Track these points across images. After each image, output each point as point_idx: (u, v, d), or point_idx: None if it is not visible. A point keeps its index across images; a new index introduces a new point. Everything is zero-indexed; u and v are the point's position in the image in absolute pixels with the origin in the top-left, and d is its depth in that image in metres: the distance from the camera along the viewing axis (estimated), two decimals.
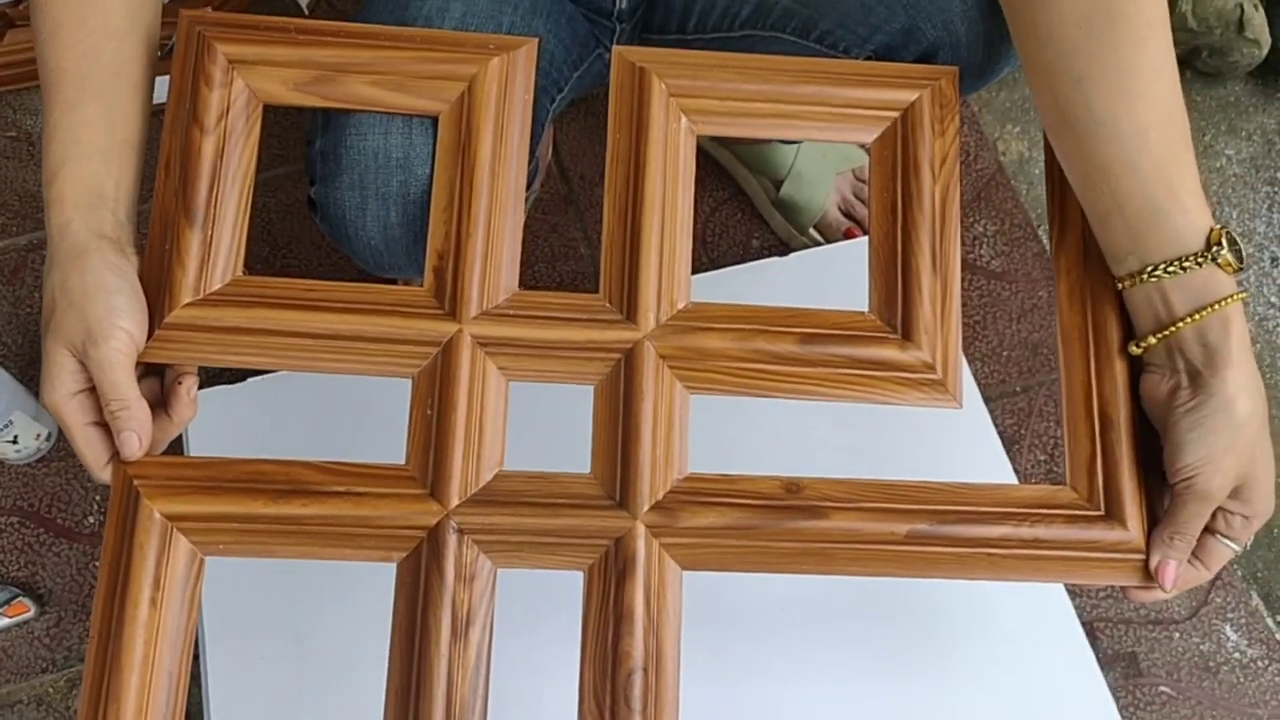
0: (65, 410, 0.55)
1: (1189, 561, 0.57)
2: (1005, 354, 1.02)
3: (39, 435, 0.90)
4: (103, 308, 0.54)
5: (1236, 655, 0.86)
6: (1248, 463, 0.54)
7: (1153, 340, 0.56)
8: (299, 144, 1.11)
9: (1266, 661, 0.85)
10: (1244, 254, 0.55)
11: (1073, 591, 0.85)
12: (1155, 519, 0.57)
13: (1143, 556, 0.57)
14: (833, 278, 0.91)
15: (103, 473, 0.56)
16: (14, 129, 1.09)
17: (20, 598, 0.85)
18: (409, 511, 0.56)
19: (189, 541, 0.55)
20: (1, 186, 1.05)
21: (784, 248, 1.06)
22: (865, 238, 1.01)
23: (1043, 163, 1.08)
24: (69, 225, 0.56)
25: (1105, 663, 0.84)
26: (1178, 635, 0.87)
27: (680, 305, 0.59)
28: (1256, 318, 1.04)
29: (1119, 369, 0.58)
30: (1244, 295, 0.55)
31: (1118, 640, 0.87)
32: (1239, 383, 0.53)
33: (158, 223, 0.58)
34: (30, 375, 0.96)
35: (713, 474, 0.58)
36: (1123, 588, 0.58)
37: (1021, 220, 1.10)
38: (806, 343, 0.59)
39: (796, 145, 1.03)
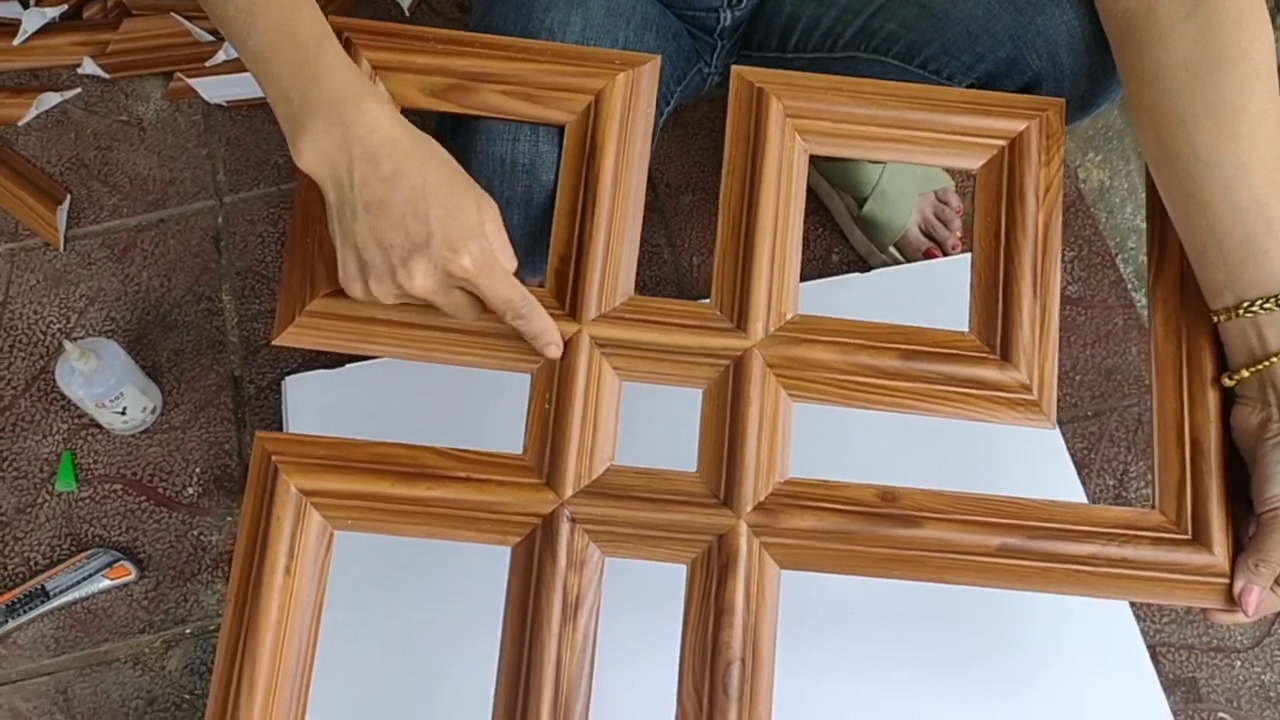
0: (499, 243, 0.57)
1: (1272, 589, 0.59)
2: (1078, 378, 1.04)
3: (145, 408, 0.95)
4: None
5: None
6: None
7: (1245, 374, 0.58)
8: None
9: None
10: None
11: (1137, 615, 0.87)
12: (1239, 546, 0.59)
13: (1226, 580, 0.59)
14: (911, 296, 0.93)
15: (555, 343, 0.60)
16: (125, 114, 1.14)
17: (121, 561, 0.90)
18: (526, 499, 0.59)
19: (320, 516, 0.59)
20: (113, 168, 1.10)
21: (863, 264, 1.09)
22: (946, 258, 1.04)
23: (1123, 191, 1.09)
24: (403, 125, 0.57)
25: (1166, 686, 0.85)
26: (1239, 664, 0.88)
27: (789, 316, 0.62)
28: None
29: (1211, 399, 0.60)
30: None
31: (1179, 665, 0.89)
32: None
33: (299, 219, 0.62)
34: (139, 350, 1.00)
35: (813, 479, 0.61)
36: (1204, 610, 0.60)
37: (1100, 247, 1.11)
38: (908, 359, 0.61)
39: (882, 164, 1.06)
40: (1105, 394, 1.03)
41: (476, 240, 0.55)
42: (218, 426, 0.97)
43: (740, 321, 0.62)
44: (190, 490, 0.95)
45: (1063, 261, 1.10)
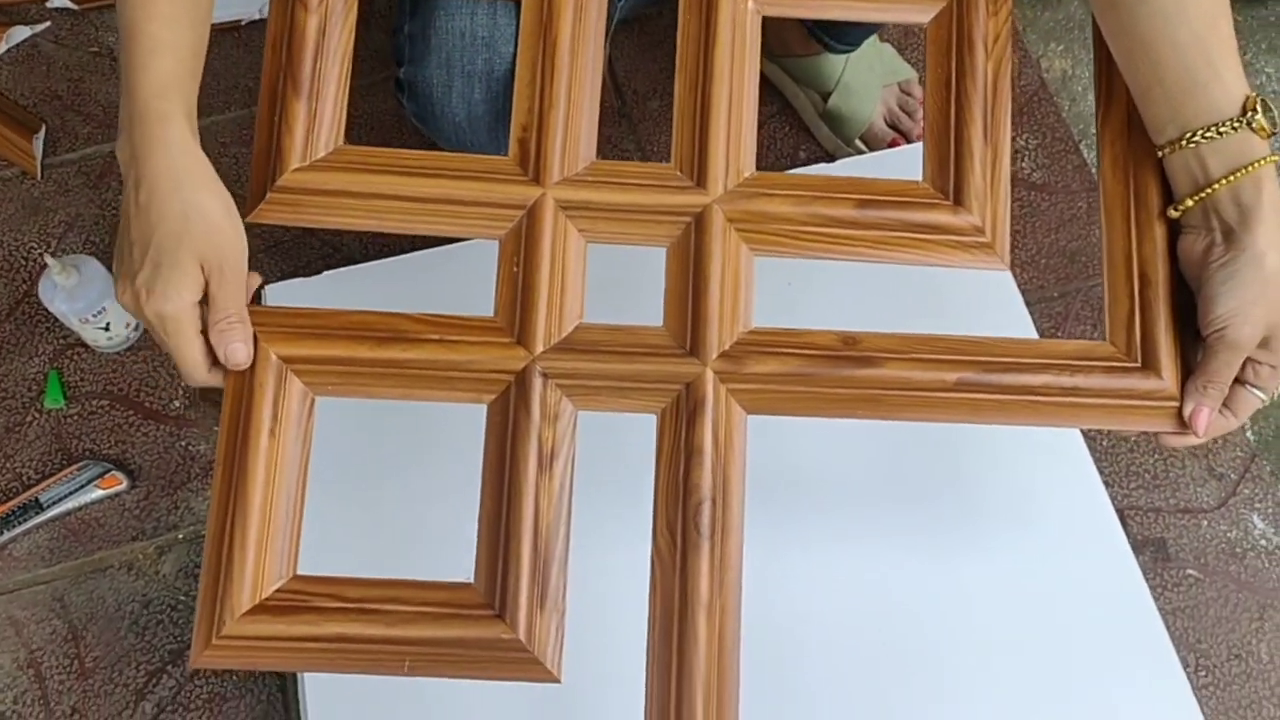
0: (187, 318, 0.58)
1: (1220, 411, 0.61)
2: (1044, 261, 1.06)
3: (129, 324, 0.96)
4: (233, 225, 0.59)
5: (1263, 542, 0.90)
6: (1276, 313, 0.58)
7: (1190, 203, 0.60)
8: (374, 58, 1.15)
9: None
10: (1278, 119, 0.58)
11: (1106, 481, 0.89)
12: (1189, 372, 0.62)
13: (1176, 404, 0.61)
14: None
15: (208, 376, 0.60)
16: (96, 45, 1.14)
17: (112, 471, 0.92)
18: (499, 357, 0.61)
19: (301, 382, 0.61)
20: (85, 98, 1.11)
21: (830, 159, 1.10)
22: (910, 146, 1.06)
23: (1084, 79, 1.11)
24: (187, 145, 0.59)
25: (1136, 547, 0.88)
26: (1206, 523, 0.91)
27: (746, 173, 0.64)
28: None
29: (1158, 232, 0.62)
30: (1276, 158, 0.58)
31: (1148, 527, 0.91)
32: (1270, 238, 0.57)
33: (266, 96, 0.63)
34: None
35: (775, 327, 0.63)
36: (1156, 434, 0.62)
37: (1063, 135, 1.13)
38: (863, 208, 0.63)
39: (845, 58, 1.07)
40: (1070, 276, 1.05)
41: (167, 303, 0.57)
42: None
43: (699, 179, 0.63)
44: (176, 403, 0.97)
45: (1026, 149, 1.12)
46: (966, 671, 0.78)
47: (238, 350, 0.59)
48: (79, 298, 0.90)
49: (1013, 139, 1.13)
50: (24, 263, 1.03)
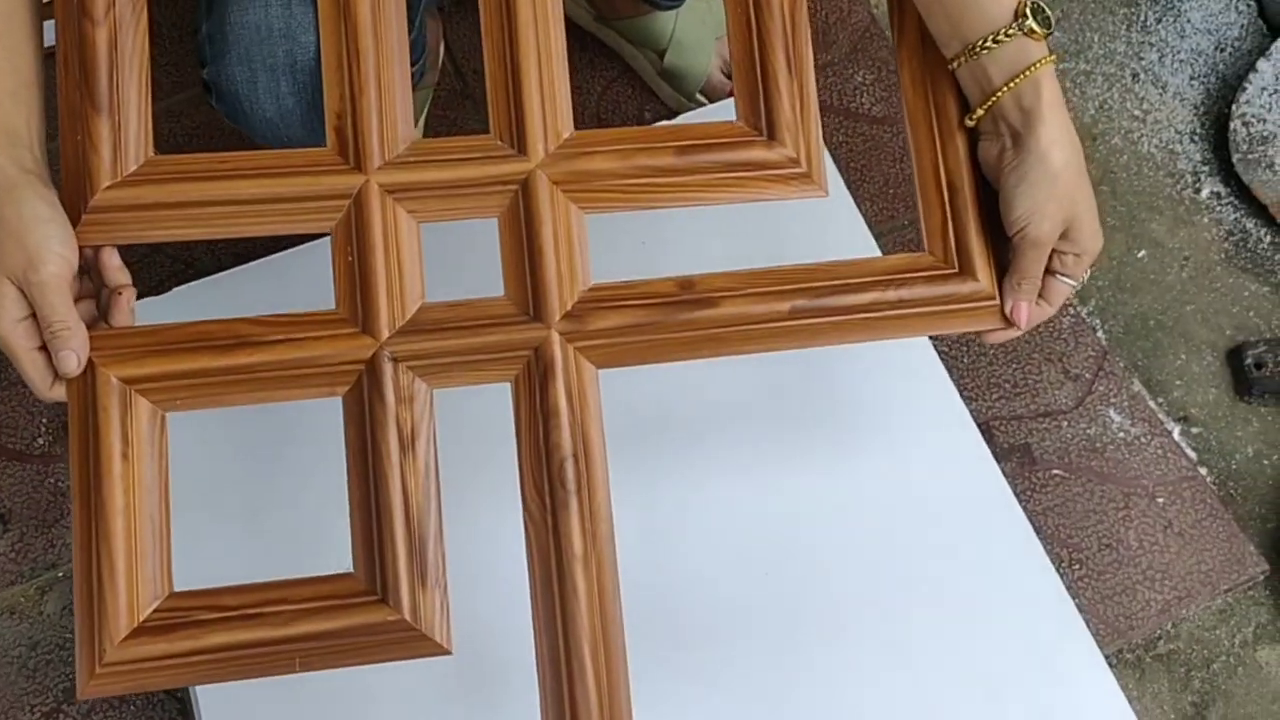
0: (11, 337, 0.58)
1: (1036, 302, 0.65)
2: (891, 192, 1.09)
3: None
4: (39, 235, 0.57)
5: (1121, 435, 0.95)
6: (1069, 206, 0.62)
7: (980, 112, 0.64)
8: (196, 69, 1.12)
9: (1150, 437, 0.94)
10: (1052, 20, 0.62)
11: (969, 395, 0.94)
12: (1004, 271, 0.66)
13: (995, 303, 0.65)
14: None
15: (50, 392, 0.60)
16: None
17: None
18: (345, 348, 0.61)
19: (148, 401, 0.60)
20: None
21: (674, 116, 1.12)
22: None
23: None
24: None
25: (1001, 455, 0.92)
26: (1066, 424, 0.95)
27: (565, 135, 0.65)
28: (1122, 131, 1.11)
29: (960, 142, 0.66)
30: (1053, 59, 0.62)
31: (1011, 434, 0.96)
32: (1052, 137, 0.61)
33: (65, 116, 0.62)
34: None
35: (614, 282, 0.64)
36: (980, 333, 0.66)
37: (896, 68, 1.16)
38: (683, 154, 0.65)
39: (675, 14, 1.08)
40: (916, 203, 1.09)
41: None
42: None
43: (520, 146, 0.64)
44: (40, 440, 0.94)
45: (864, 85, 1.15)
46: (847, 587, 0.81)
47: (65, 359, 0.58)
48: None
49: (850, 76, 1.17)
50: None
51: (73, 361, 0.58)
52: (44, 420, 0.95)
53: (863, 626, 0.80)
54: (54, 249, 0.58)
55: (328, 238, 0.63)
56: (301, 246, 0.93)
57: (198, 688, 0.76)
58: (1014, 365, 0.97)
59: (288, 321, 0.62)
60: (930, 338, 0.90)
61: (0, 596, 0.89)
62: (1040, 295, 0.65)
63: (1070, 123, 0.62)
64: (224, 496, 0.81)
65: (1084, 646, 0.79)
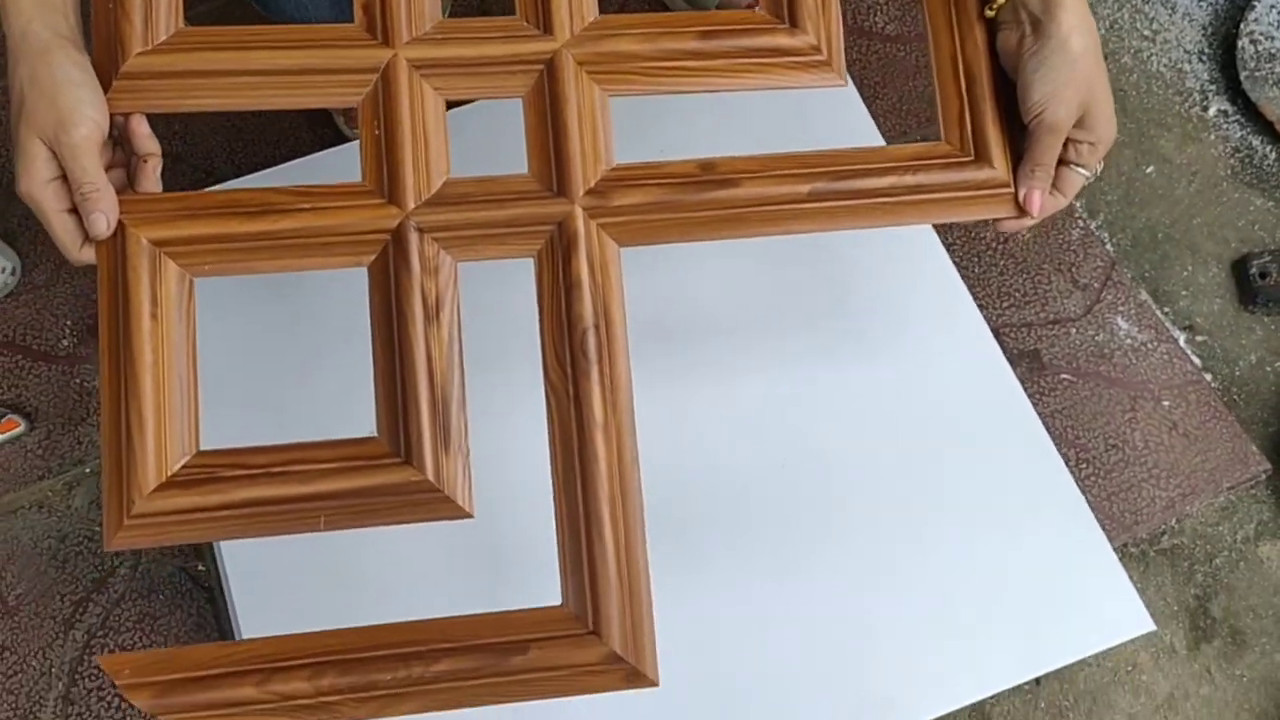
0: (41, 197, 0.59)
1: (1050, 192, 0.66)
2: (905, 108, 1.10)
3: (4, 269, 0.94)
4: (71, 98, 0.58)
5: (1129, 341, 0.96)
6: (1087, 92, 0.63)
7: (1001, 1, 0.64)
8: None
9: (1156, 343, 0.96)
10: None
11: (981, 303, 0.95)
12: (1019, 162, 0.67)
13: (1010, 191, 0.66)
14: None
15: (79, 254, 0.61)
16: None
17: (9, 415, 0.91)
18: (372, 217, 0.62)
19: (176, 265, 0.61)
20: None
21: None
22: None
23: None
24: (30, 26, 0.59)
25: (1011, 360, 0.94)
26: (1074, 330, 0.97)
27: (590, 17, 0.66)
28: (1132, 50, 1.12)
29: (978, 33, 0.67)
30: None
31: (1021, 340, 0.98)
32: (1072, 23, 0.62)
33: None
34: None
35: (636, 162, 0.65)
36: (995, 222, 0.68)
37: None
38: (706, 39, 0.66)
39: None
40: (931, 119, 1.09)
41: (19, 184, 0.59)
42: (81, 279, 0.98)
43: (546, 26, 0.65)
44: (65, 342, 0.96)
45: (879, 4, 1.16)
46: (862, 479, 0.83)
47: (95, 221, 0.59)
48: None
49: None
50: None
51: (102, 224, 0.59)
52: (69, 323, 0.96)
53: (876, 516, 0.81)
54: (86, 112, 0.59)
55: (345, 146, 0.64)
56: (319, 154, 0.94)
57: (230, 578, 0.78)
58: (1024, 275, 0.98)
59: (315, 192, 0.63)
60: (944, 244, 0.91)
61: (29, 491, 0.90)
62: (1054, 185, 0.66)
63: (1089, 11, 0.63)
64: (240, 379, 0.82)
65: (1093, 538, 0.81)
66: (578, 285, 0.63)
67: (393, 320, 0.62)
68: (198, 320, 0.62)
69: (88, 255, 0.61)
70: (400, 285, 0.62)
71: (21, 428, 0.91)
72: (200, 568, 0.87)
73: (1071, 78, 0.62)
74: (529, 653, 0.60)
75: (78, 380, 0.94)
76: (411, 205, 0.63)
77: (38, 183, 0.59)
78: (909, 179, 0.66)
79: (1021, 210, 0.66)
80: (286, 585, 0.78)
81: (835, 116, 0.92)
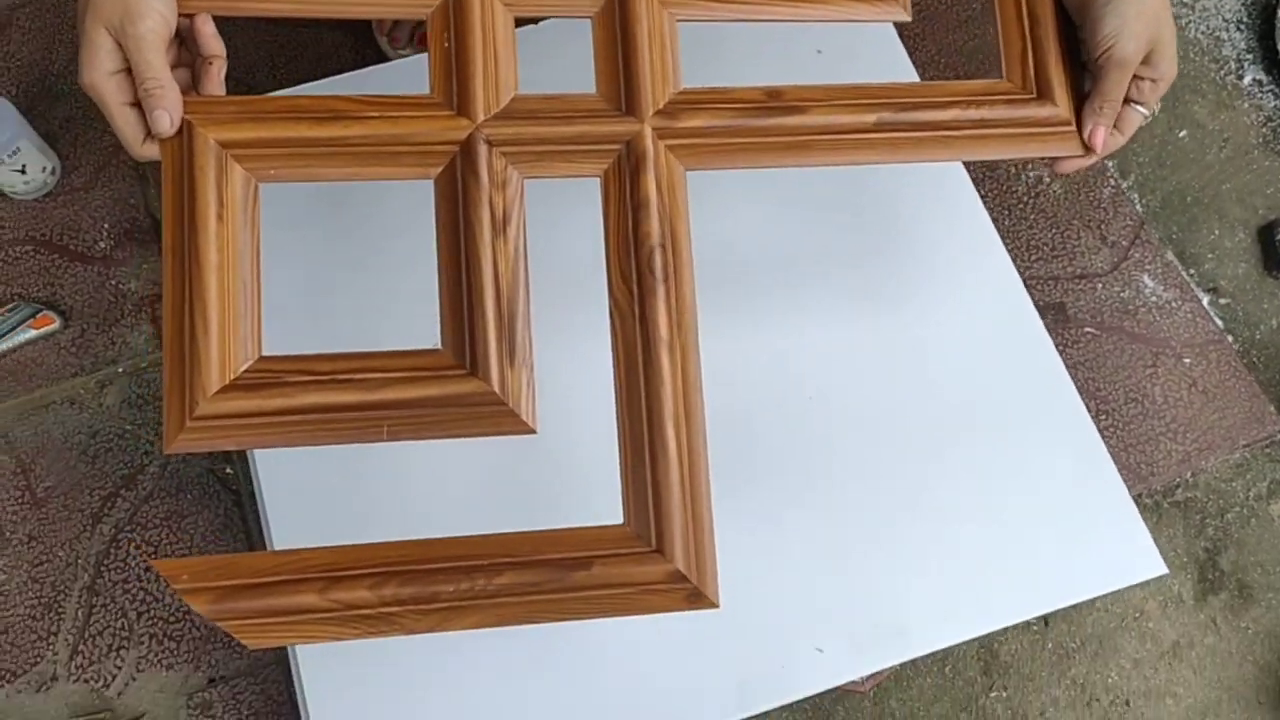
0: (104, 89, 0.58)
1: (1112, 131, 0.67)
2: (944, 60, 1.11)
3: (45, 168, 0.94)
4: None
5: (1154, 299, 0.98)
6: (1155, 27, 0.64)
7: None
8: None
9: (1180, 302, 0.97)
10: None
11: (1009, 254, 0.95)
12: (1079, 105, 0.68)
13: (1071, 129, 0.67)
14: None
15: (142, 150, 0.60)
16: None
17: (44, 312, 0.91)
18: (442, 128, 0.62)
19: (242, 169, 0.60)
20: None
21: None
22: None
23: None
24: None
25: (1039, 311, 0.94)
26: (1100, 286, 0.99)
27: None
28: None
29: None
30: None
31: (1048, 293, 0.99)
32: None
33: None
34: (30, 121, 0.98)
35: (704, 87, 0.65)
36: (1054, 162, 0.68)
37: None
38: None
39: None
40: (969, 73, 1.11)
41: (83, 75, 0.58)
42: (120, 183, 0.98)
43: None
44: (102, 244, 0.96)
45: None
46: (892, 416, 0.83)
47: (159, 118, 0.58)
48: None
49: None
50: None
51: (165, 121, 0.58)
52: (106, 225, 0.96)
53: (898, 449, 0.82)
54: (154, 5, 0.58)
55: (388, 65, 0.64)
56: (362, 70, 0.93)
57: (262, 479, 0.76)
58: (1054, 229, 0.99)
59: (383, 101, 0.62)
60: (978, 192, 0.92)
61: (61, 387, 0.90)
62: (1115, 125, 0.67)
63: None
64: (289, 293, 0.81)
65: (1111, 482, 0.82)
66: (646, 204, 0.63)
67: (459, 232, 0.61)
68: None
69: (150, 151, 0.60)
70: (468, 197, 0.61)
71: (56, 324, 0.91)
72: (228, 470, 0.86)
73: (1141, 12, 0.63)
74: (592, 568, 0.60)
75: (113, 282, 0.94)
76: (481, 118, 0.62)
77: (101, 74, 0.58)
78: (972, 113, 0.66)
79: (1085, 148, 0.67)
80: (320, 501, 0.77)
81: (879, 62, 0.93)
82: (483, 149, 0.62)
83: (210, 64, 0.61)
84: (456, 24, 0.63)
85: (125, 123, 0.59)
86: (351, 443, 0.59)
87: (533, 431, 0.61)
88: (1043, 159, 0.68)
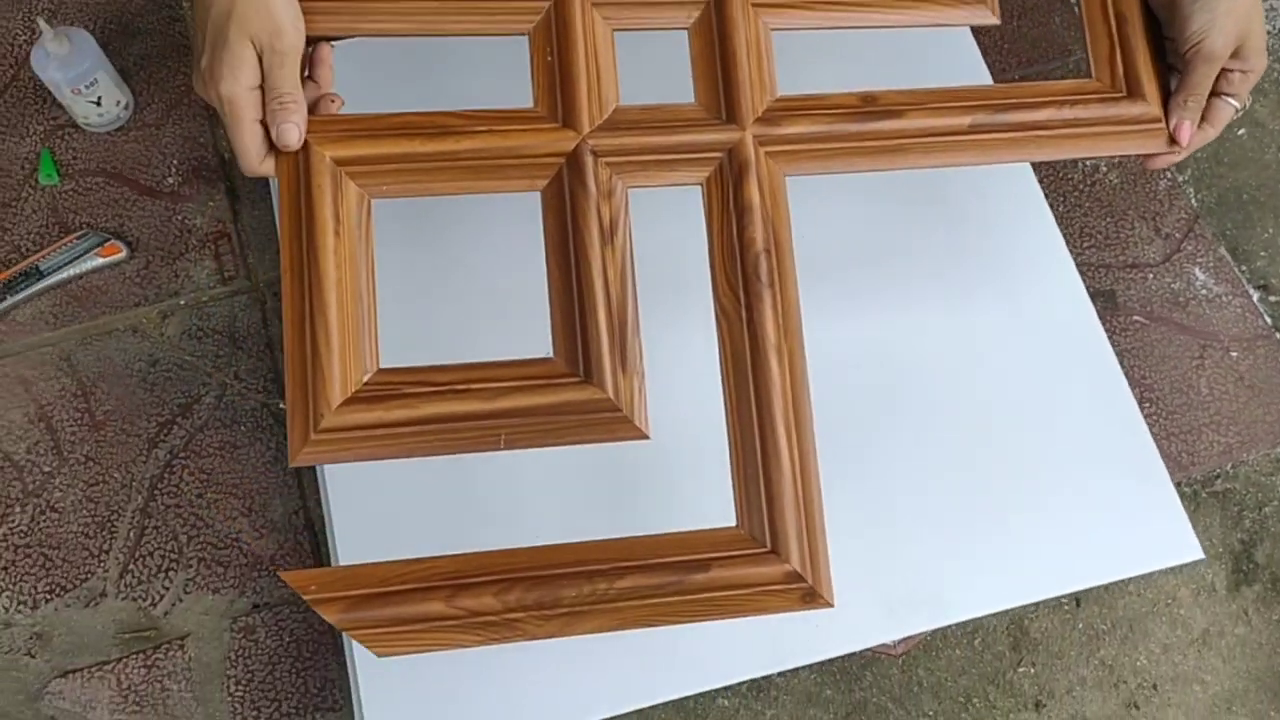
0: (243, 102, 0.59)
1: (1199, 125, 0.68)
2: (1006, 47, 1.11)
3: (119, 102, 0.96)
4: (284, 7, 0.59)
5: (1204, 292, 0.98)
6: (1245, 21, 0.65)
7: None
8: None
9: (1230, 297, 0.98)
10: None
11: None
12: (1166, 99, 0.68)
13: (1162, 125, 0.68)
14: None
15: (260, 166, 0.61)
16: None
17: (111, 241, 0.93)
18: (548, 140, 0.63)
19: (356, 185, 0.61)
20: None
21: None
22: None
23: None
24: None
25: (1089, 297, 0.95)
26: (1151, 276, 0.99)
27: None
28: None
29: None
30: None
31: (1099, 280, 0.99)
32: None
33: None
34: (113, 47, 1.00)
35: (800, 94, 0.66)
36: (1144, 158, 0.69)
37: None
38: None
39: None
40: (1031, 60, 1.10)
41: (223, 85, 0.58)
42: (191, 123, 0.99)
43: None
44: (170, 180, 0.97)
45: None
46: (948, 397, 0.84)
47: (288, 131, 0.59)
48: (71, 66, 0.89)
49: None
50: (10, 48, 1.01)
51: (294, 134, 0.59)
52: (175, 162, 0.98)
53: (948, 422, 0.83)
54: (297, 24, 0.60)
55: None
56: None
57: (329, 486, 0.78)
58: (1108, 218, 1.00)
59: (490, 115, 0.63)
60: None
61: (125, 315, 0.92)
62: (1204, 118, 0.68)
63: None
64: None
65: (1153, 466, 0.83)
66: (750, 210, 0.63)
67: (568, 242, 0.62)
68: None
69: (267, 168, 0.61)
70: (577, 207, 0.62)
71: (123, 254, 0.93)
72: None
73: (1232, 9, 0.64)
74: (710, 571, 0.60)
75: (179, 218, 0.96)
76: (587, 129, 0.63)
77: (242, 87, 0.58)
78: (1065, 113, 0.67)
79: (1173, 142, 0.68)
80: (386, 503, 0.78)
81: (947, 56, 0.94)
82: (589, 160, 0.63)
83: (333, 101, 0.63)
84: (559, 39, 0.64)
85: (251, 137, 0.60)
86: (469, 452, 0.60)
87: (646, 437, 0.62)
88: (1136, 156, 0.69)
